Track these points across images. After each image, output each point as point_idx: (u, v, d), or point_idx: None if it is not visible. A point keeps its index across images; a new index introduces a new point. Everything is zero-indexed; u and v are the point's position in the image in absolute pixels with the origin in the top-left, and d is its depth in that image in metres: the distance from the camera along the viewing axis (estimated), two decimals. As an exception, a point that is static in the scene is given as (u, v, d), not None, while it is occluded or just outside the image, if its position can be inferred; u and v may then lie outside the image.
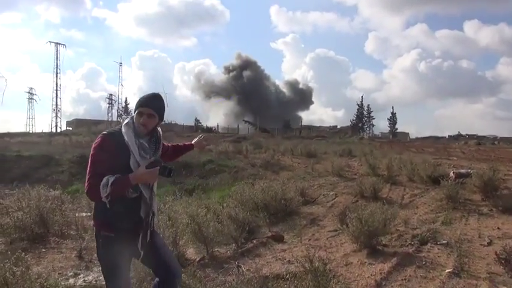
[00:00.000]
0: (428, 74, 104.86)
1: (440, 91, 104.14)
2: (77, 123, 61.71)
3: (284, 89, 79.09)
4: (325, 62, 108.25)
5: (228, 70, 76.86)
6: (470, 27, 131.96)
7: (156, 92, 2.56)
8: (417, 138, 53.42)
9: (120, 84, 65.20)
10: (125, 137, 2.35)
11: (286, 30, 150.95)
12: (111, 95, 62.85)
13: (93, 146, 2.34)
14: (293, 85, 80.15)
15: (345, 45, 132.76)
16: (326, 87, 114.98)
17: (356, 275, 4.41)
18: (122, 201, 2.31)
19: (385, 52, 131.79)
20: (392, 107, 70.05)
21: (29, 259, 3.49)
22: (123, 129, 2.39)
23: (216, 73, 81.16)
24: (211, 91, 75.52)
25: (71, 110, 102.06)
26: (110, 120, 60.55)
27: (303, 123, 69.60)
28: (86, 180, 2.28)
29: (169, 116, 69.44)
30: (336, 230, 6.47)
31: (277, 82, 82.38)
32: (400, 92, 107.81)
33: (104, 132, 2.40)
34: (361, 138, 39.92)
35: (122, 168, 2.29)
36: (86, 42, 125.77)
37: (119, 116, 62.68)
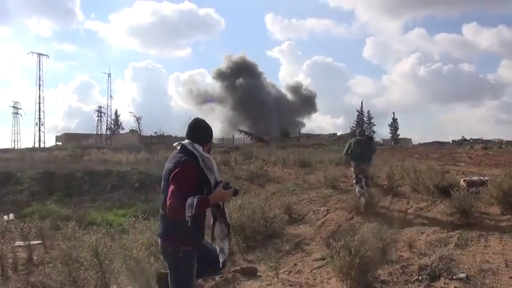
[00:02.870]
0: (429, 78, 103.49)
1: (442, 95, 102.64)
2: (66, 138, 60.44)
3: (286, 94, 76.30)
4: (322, 68, 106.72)
5: (220, 76, 74.21)
6: (469, 30, 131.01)
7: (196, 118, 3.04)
8: (420, 144, 52.22)
9: (110, 96, 63.31)
10: (209, 163, 2.79)
11: (282, 37, 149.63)
12: (100, 107, 61.27)
13: (178, 170, 2.67)
14: (296, 89, 76.01)
15: (343, 52, 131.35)
16: (324, 94, 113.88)
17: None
18: (195, 218, 2.59)
19: (383, 57, 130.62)
20: (393, 113, 68.39)
21: None
22: (205, 156, 2.80)
23: (212, 83, 78.61)
24: (204, 100, 73.80)
25: (63, 124, 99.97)
26: (99, 133, 59.28)
27: (303, 132, 67.90)
28: (169, 200, 2.58)
29: (165, 128, 67.85)
30: (324, 258, 5.29)
31: (278, 86, 79.55)
32: (400, 97, 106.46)
33: (185, 159, 2.74)
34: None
35: (199, 190, 2.67)
36: (78, 55, 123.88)
37: (109, 129, 61.38)
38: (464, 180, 8.55)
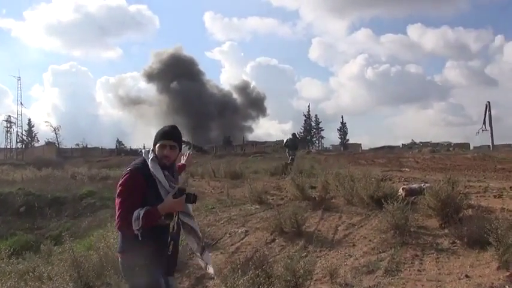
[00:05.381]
0: (377, 80, 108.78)
1: (391, 97, 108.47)
2: (-32, 153, 55.36)
3: (233, 96, 73.02)
4: (267, 70, 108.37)
5: (151, 77, 69.81)
6: (414, 31, 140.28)
7: (173, 124, 3.06)
8: (370, 149, 53.87)
9: (20, 103, 58.44)
10: (153, 172, 2.75)
11: (223, 37, 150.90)
12: (9, 116, 56.63)
13: (121, 181, 2.74)
14: (243, 90, 73.60)
15: (288, 53, 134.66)
16: (270, 98, 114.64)
17: None
18: (153, 230, 2.66)
19: (330, 59, 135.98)
20: (342, 117, 70.32)
21: None
22: (150, 165, 2.77)
23: (148, 87, 74.87)
24: (133, 103, 70.30)
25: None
26: (8, 147, 54.81)
27: (250, 139, 66.93)
28: (117, 215, 2.65)
29: (91, 139, 64.16)
30: (226, 298, 4.50)
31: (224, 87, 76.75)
32: (349, 100, 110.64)
33: (130, 168, 2.79)
34: (308, 152, 38.94)
35: (152, 200, 2.67)
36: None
37: (20, 141, 56.98)
38: (403, 188, 8.20)
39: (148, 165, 2.78)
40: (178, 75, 66.36)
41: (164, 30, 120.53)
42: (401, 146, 57.45)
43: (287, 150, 16.60)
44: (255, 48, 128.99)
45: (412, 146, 54.01)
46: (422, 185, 8.40)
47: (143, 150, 2.97)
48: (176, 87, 66.24)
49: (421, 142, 56.68)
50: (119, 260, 2.89)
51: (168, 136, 2.88)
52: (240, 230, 7.25)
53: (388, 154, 31.51)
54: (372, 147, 58.01)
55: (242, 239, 6.87)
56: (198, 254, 3.10)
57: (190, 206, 2.98)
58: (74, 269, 4.79)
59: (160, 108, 67.76)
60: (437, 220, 6.16)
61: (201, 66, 75.08)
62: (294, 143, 16.84)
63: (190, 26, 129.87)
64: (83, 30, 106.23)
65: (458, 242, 5.28)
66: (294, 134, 17.65)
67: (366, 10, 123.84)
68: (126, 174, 2.76)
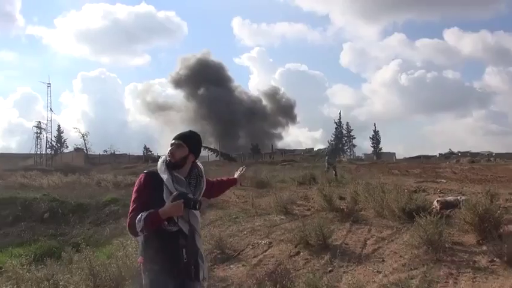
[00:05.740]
0: (411, 86, 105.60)
1: (427, 105, 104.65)
2: (0, 159, 57.49)
3: (262, 103, 71.92)
4: (297, 77, 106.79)
5: (178, 83, 70.89)
6: (450, 35, 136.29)
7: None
8: (405, 159, 52.58)
9: (50, 109, 60.18)
10: (159, 171, 2.78)
11: (252, 43, 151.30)
12: (39, 122, 58.31)
13: (135, 184, 2.83)
14: (272, 96, 71.54)
15: (319, 58, 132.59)
16: (300, 105, 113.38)
17: None
18: (160, 235, 2.66)
19: (362, 64, 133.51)
20: (375, 124, 68.50)
21: None
22: (158, 165, 2.83)
23: (176, 93, 75.76)
24: (161, 109, 71.06)
25: (2, 143, 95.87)
26: (38, 152, 56.64)
27: (279, 147, 66.45)
28: (128, 217, 2.72)
29: (120, 146, 65.22)
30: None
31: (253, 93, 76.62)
32: (382, 107, 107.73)
33: (145, 171, 2.88)
34: (339, 161, 38.44)
35: (160, 203, 2.65)
36: (18, 64, 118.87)
37: (50, 147, 58.75)
38: (437, 200, 7.91)
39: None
40: (206, 81, 66.75)
41: (192, 36, 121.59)
42: (438, 156, 55.79)
43: (326, 158, 17.20)
44: (284, 54, 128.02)
45: (449, 155, 52.38)
46: (458, 197, 8.10)
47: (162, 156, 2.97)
48: (204, 93, 66.67)
49: (459, 152, 54.91)
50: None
51: (176, 136, 2.95)
52: (263, 242, 7.15)
53: (423, 164, 30.67)
54: (407, 156, 56.55)
55: (265, 251, 6.77)
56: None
57: (197, 215, 2.80)
58: (90, 279, 4.80)
59: (188, 115, 68.18)
60: (474, 236, 5.89)
61: (230, 72, 74.94)
62: (333, 151, 19.62)
63: (218, 32, 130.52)
64: (112, 37, 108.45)
65: (497, 260, 5.02)
66: (332, 144, 21.91)
67: (399, 14, 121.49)
68: (139, 177, 2.84)
